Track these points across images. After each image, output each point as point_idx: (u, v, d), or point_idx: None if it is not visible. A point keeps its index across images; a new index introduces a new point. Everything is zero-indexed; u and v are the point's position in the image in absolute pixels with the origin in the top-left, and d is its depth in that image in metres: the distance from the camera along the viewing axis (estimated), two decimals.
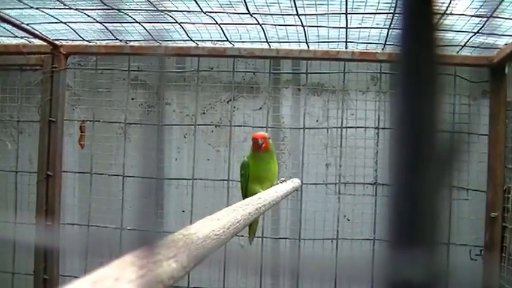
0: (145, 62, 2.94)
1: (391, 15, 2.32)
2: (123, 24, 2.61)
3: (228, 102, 2.93)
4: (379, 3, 2.26)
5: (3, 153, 3.02)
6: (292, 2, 2.22)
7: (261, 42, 2.68)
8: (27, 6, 2.42)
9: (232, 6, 2.34)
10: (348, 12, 2.30)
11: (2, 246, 2.94)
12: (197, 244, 1.06)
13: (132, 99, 2.95)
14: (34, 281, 2.75)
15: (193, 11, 2.39)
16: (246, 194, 2.14)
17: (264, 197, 1.82)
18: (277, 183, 2.13)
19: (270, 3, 2.29)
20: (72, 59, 2.90)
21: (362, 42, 2.65)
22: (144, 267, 0.82)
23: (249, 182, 2.13)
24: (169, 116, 2.97)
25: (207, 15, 2.38)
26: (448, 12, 2.27)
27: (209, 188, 2.85)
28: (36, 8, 2.44)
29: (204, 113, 2.94)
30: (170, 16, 2.45)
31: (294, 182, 2.44)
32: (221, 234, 1.22)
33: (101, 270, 0.73)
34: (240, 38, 2.67)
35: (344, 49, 2.69)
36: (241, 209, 1.49)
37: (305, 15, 2.35)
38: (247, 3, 2.23)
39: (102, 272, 0.72)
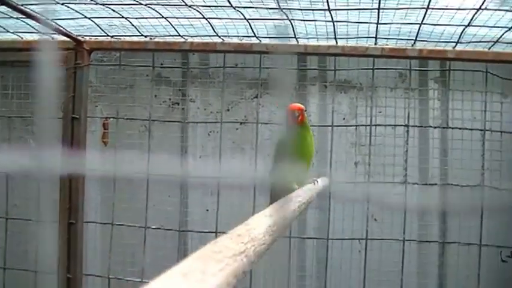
0: (169, 58, 2.90)
1: (424, 10, 2.27)
2: (149, 20, 2.58)
3: (253, 99, 2.89)
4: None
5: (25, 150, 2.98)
6: None
7: (289, 37, 2.63)
8: (52, 2, 2.39)
9: (262, 1, 2.30)
10: (381, 7, 2.25)
11: (24, 243, 2.91)
12: (259, 239, 1.03)
13: (156, 96, 2.91)
14: (57, 280, 2.71)
15: (221, 6, 2.35)
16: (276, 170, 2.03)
17: (302, 195, 1.78)
18: (311, 183, 2.06)
19: None
20: (95, 54, 2.86)
21: (392, 38, 2.61)
22: (222, 261, 0.78)
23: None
24: (194, 113, 2.93)
25: (236, 10, 2.34)
26: (482, 7, 2.23)
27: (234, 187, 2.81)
28: (62, 4, 2.41)
29: (228, 110, 2.89)
30: (197, 11, 2.41)
31: (324, 181, 2.39)
32: (275, 231, 1.19)
33: (185, 263, 0.71)
34: (267, 33, 2.63)
35: (373, 45, 2.65)
36: (290, 204, 1.46)
37: (336, 10, 2.31)
38: None
39: (186, 265, 0.69)
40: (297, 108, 1.98)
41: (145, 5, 2.38)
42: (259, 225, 1.10)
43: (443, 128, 2.75)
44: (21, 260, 2.90)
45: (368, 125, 2.74)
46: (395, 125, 2.75)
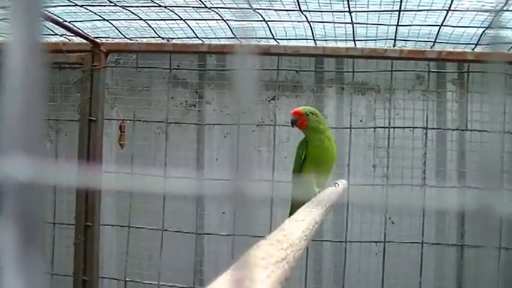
0: (186, 60, 2.89)
1: (445, 12, 2.26)
2: (167, 22, 2.57)
3: (269, 101, 2.88)
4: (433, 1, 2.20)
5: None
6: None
7: (307, 39, 2.62)
8: (71, 4, 2.39)
9: (282, 4, 2.29)
10: (402, 9, 2.24)
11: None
12: (297, 245, 1.02)
13: (172, 98, 2.91)
14: (73, 283, 2.71)
15: (241, 9, 2.34)
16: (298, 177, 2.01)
17: (326, 198, 1.77)
18: (332, 186, 2.04)
19: (322, 0, 2.24)
20: (111, 57, 2.86)
21: (411, 40, 2.59)
22: (267, 268, 0.77)
23: (305, 164, 2.00)
24: (210, 115, 2.92)
25: (256, 12, 2.33)
26: (504, 9, 2.21)
27: None
28: (81, 6, 2.41)
29: (244, 112, 2.88)
30: (217, 13, 2.40)
31: (343, 184, 2.38)
32: (308, 235, 1.19)
33: (233, 270, 0.70)
34: (286, 35, 2.62)
35: (392, 47, 2.63)
36: (315, 210, 1.45)
37: (356, 11, 2.29)
38: (299, 0, 2.18)
39: (235, 272, 0.69)
40: (293, 113, 1.95)
41: (165, 7, 2.37)
42: (294, 231, 1.09)
43: (462, 130, 2.72)
44: None
45: (386, 127, 2.72)
46: (413, 127, 2.73)
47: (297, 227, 1.11)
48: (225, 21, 2.47)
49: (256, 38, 2.66)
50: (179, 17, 2.47)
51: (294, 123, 1.97)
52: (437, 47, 2.63)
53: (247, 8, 2.32)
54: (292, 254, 0.92)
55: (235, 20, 2.50)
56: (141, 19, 2.53)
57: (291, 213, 2.05)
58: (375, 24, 2.43)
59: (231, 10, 2.38)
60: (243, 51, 0.40)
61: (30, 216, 0.32)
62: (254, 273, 0.70)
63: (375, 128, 2.78)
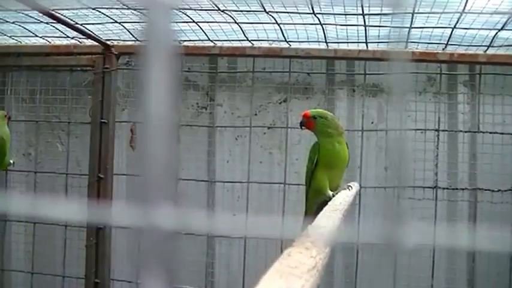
0: (197, 63, 2.89)
1: (459, 14, 2.25)
2: (179, 24, 2.57)
3: (280, 103, 2.88)
4: (447, 2, 2.20)
5: (52, 155, 2.99)
6: (359, 2, 2.16)
7: (319, 42, 2.62)
8: (83, 6, 2.39)
9: (296, 7, 2.29)
10: (415, 12, 2.23)
11: (52, 248, 2.92)
12: (323, 252, 1.03)
13: (183, 100, 2.90)
14: (85, 285, 2.71)
15: (254, 11, 2.34)
16: (310, 182, 2.03)
17: (343, 202, 1.76)
18: (345, 189, 2.03)
19: (335, 3, 2.23)
20: (122, 59, 2.86)
21: (423, 42, 2.59)
22: (301, 277, 0.78)
23: (318, 167, 2.01)
24: (221, 118, 2.91)
25: (269, 14, 2.33)
26: None
27: (264, 192, 2.79)
28: (93, 8, 2.41)
29: (256, 115, 2.88)
30: (229, 16, 2.40)
31: (356, 186, 2.37)
32: (332, 241, 1.20)
33: (269, 280, 0.70)
34: (298, 38, 2.62)
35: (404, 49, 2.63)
36: (334, 214, 1.46)
37: (369, 14, 2.29)
38: (313, 3, 2.17)
39: (272, 282, 0.69)
40: (302, 115, 2.01)
41: (177, 9, 2.37)
42: (319, 237, 1.09)
43: (474, 132, 2.72)
44: (49, 264, 2.90)
45: (398, 129, 2.71)
46: (425, 130, 2.72)
47: (321, 234, 1.11)
48: (237, 23, 2.47)
49: (268, 40, 2.66)
50: (191, 19, 2.47)
51: (302, 125, 2.04)
52: (449, 49, 2.63)
53: (260, 11, 2.32)
54: (321, 262, 0.92)
55: (248, 23, 2.50)
56: None
57: (306, 216, 2.06)
58: (387, 26, 2.42)
59: (244, 12, 2.38)
60: (398, 57, 0.40)
61: (172, 262, 0.33)
62: (289, 283, 0.70)
63: (386, 130, 2.77)
